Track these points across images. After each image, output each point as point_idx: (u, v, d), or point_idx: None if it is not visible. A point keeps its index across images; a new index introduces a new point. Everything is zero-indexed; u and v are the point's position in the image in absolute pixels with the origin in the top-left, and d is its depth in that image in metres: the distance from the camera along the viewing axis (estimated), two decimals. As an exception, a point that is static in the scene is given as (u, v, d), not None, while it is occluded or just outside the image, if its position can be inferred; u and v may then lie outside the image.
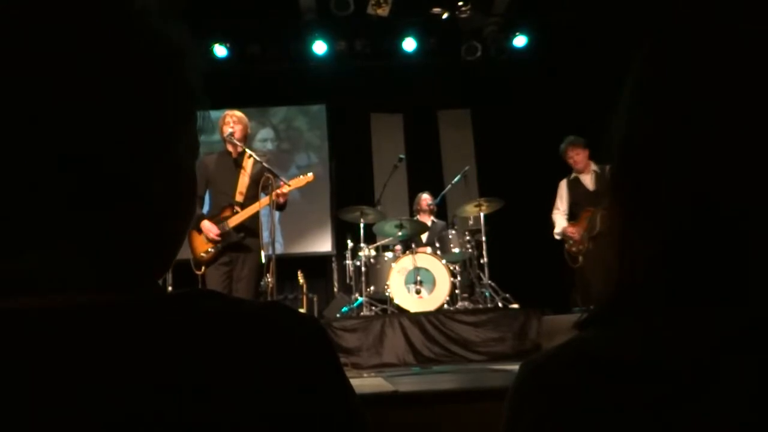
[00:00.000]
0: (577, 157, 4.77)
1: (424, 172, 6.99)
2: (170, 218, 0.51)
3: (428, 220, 5.68)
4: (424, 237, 5.56)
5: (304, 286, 5.83)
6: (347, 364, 4.16)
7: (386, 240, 5.37)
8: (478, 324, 4.51)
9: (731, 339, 0.40)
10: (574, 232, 4.66)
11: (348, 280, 5.43)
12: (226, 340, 0.41)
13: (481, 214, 5.28)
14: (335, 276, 6.91)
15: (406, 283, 4.92)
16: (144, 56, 0.46)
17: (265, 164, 3.80)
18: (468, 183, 5.71)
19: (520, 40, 6.82)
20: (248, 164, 3.88)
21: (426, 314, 4.62)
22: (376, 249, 5.35)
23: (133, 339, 0.40)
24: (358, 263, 5.15)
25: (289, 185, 3.83)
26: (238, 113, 3.93)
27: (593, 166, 4.78)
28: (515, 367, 0.71)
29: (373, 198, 6.16)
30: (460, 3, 6.27)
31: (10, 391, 0.37)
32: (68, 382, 0.38)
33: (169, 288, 4.99)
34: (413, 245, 5.29)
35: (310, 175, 4.02)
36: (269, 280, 3.73)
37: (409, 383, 2.80)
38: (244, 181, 3.85)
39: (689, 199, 0.44)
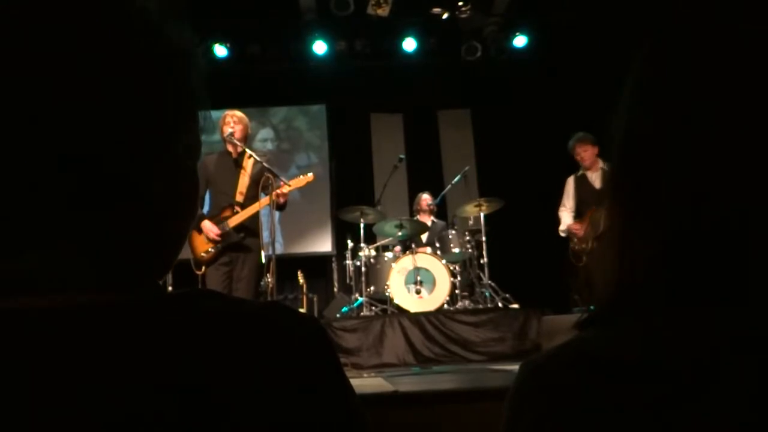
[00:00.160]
0: (585, 153, 4.71)
1: (424, 172, 6.99)
2: (171, 218, 0.50)
3: (428, 220, 5.68)
4: (424, 237, 5.56)
5: (304, 286, 5.83)
6: (347, 364, 4.16)
7: (386, 240, 5.37)
8: (478, 324, 4.51)
9: (731, 339, 0.40)
10: (579, 230, 4.64)
11: (348, 280, 5.43)
12: (226, 340, 0.41)
13: (481, 214, 5.28)
14: (335, 276, 6.91)
15: (406, 283, 4.92)
16: (144, 56, 0.46)
17: (265, 164, 3.80)
18: (468, 183, 5.71)
19: (520, 40, 6.82)
20: (248, 164, 3.88)
21: (426, 314, 4.62)
22: (376, 249, 5.35)
23: (133, 339, 0.40)
24: (358, 263, 5.15)
25: (289, 185, 3.83)
26: (238, 113, 3.93)
27: (601, 164, 4.72)
28: (515, 367, 0.71)
29: (373, 198, 6.16)
30: (460, 3, 6.27)
31: (10, 391, 0.37)
32: (68, 382, 0.38)
33: (169, 288, 4.99)
34: (413, 245, 5.29)
35: (310, 175, 4.02)
36: (269, 280, 3.73)
37: (409, 383, 2.80)
38: (244, 181, 3.85)
39: (689, 199, 0.44)
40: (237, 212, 3.79)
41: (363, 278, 5.06)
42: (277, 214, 3.89)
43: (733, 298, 0.42)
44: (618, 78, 0.54)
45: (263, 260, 3.80)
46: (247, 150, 3.88)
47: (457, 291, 5.06)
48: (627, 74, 0.50)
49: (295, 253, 6.88)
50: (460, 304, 4.99)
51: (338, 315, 5.21)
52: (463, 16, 6.37)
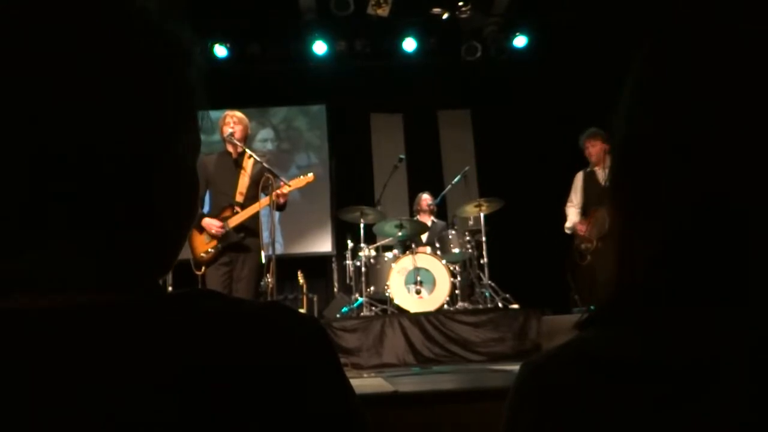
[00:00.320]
0: (593, 149, 4.64)
1: (424, 172, 6.99)
2: (171, 218, 0.50)
3: (428, 220, 5.68)
4: (424, 237, 5.56)
5: (304, 286, 5.83)
6: (347, 364, 4.16)
7: (386, 240, 5.37)
8: (478, 324, 4.51)
9: (731, 339, 0.40)
10: (582, 229, 4.62)
11: (348, 281, 5.43)
12: (226, 340, 0.41)
13: (481, 214, 5.28)
14: (335, 276, 6.91)
15: (406, 283, 4.92)
16: (144, 56, 0.46)
17: (265, 164, 3.80)
18: (468, 183, 5.71)
19: (520, 40, 6.82)
20: (248, 164, 3.88)
21: (426, 314, 4.62)
22: (376, 249, 5.35)
23: (133, 339, 0.40)
24: (358, 263, 5.15)
25: (289, 185, 3.83)
26: (238, 113, 3.93)
27: (609, 161, 4.68)
28: (515, 367, 0.71)
29: (373, 198, 6.16)
30: (460, 3, 6.27)
31: (10, 391, 0.37)
32: (68, 382, 0.38)
33: (169, 288, 4.99)
34: (413, 245, 5.29)
35: (310, 175, 4.02)
36: (269, 280, 3.73)
37: (409, 383, 2.80)
38: (244, 181, 3.85)
39: (689, 199, 0.44)
40: (237, 212, 3.79)
41: (363, 278, 5.05)
42: (277, 214, 3.89)
43: (733, 298, 0.42)
44: (618, 78, 0.54)
45: (263, 260, 3.80)
46: (247, 150, 3.88)
47: (457, 291, 5.06)
48: (627, 74, 0.50)
49: (295, 253, 6.88)
50: (460, 305, 4.99)
51: (338, 315, 5.21)
52: (463, 16, 6.37)
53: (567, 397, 0.43)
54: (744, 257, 0.42)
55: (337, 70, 7.00)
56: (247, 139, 3.98)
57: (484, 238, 5.20)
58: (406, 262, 4.94)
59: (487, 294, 5.03)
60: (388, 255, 5.25)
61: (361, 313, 4.89)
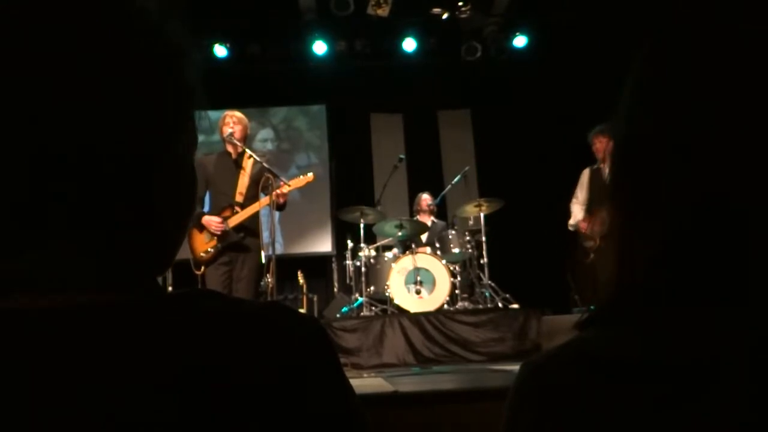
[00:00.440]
0: (600, 145, 4.59)
1: (424, 172, 6.99)
2: (170, 217, 0.51)
3: (428, 220, 5.68)
4: (424, 237, 5.56)
5: (304, 286, 5.83)
6: (347, 364, 4.16)
7: (386, 240, 5.37)
8: (478, 324, 4.51)
9: (731, 339, 0.40)
10: (585, 227, 4.61)
11: (348, 281, 5.43)
12: (226, 340, 0.41)
13: (481, 214, 5.28)
14: (335, 276, 6.91)
15: (406, 283, 4.92)
16: (144, 56, 0.46)
17: (265, 164, 3.80)
18: (468, 183, 5.71)
19: (520, 40, 6.82)
20: (248, 164, 3.88)
21: (426, 314, 4.62)
22: (376, 249, 5.35)
23: (133, 339, 0.40)
24: (358, 263, 5.15)
25: (289, 185, 3.83)
26: (237, 114, 3.93)
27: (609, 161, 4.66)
28: (515, 367, 0.71)
29: (373, 198, 6.16)
30: (460, 3, 6.27)
31: (10, 391, 0.37)
32: (68, 382, 0.38)
33: (169, 288, 4.99)
34: (413, 245, 5.29)
35: (310, 175, 4.02)
36: (269, 280, 3.72)
37: (409, 383, 2.80)
38: (243, 181, 3.85)
39: (689, 199, 0.44)
40: (237, 212, 3.79)
41: (363, 278, 5.06)
42: (277, 214, 3.89)
43: (733, 298, 0.42)
44: (618, 78, 0.54)
45: (263, 260, 3.79)
46: (246, 150, 3.88)
47: (457, 291, 5.06)
48: (627, 74, 0.50)
49: (295, 253, 6.88)
50: (460, 305, 4.99)
51: (338, 315, 5.21)
52: (463, 16, 6.37)
53: (567, 397, 0.43)
54: (744, 257, 0.42)
55: (337, 70, 7.00)
56: (246, 139, 3.98)
57: (484, 238, 5.20)
58: (406, 262, 4.94)
59: (487, 294, 5.03)
60: (388, 255, 5.25)
61: (361, 313, 4.89)
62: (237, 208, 3.80)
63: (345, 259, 5.52)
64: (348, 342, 4.42)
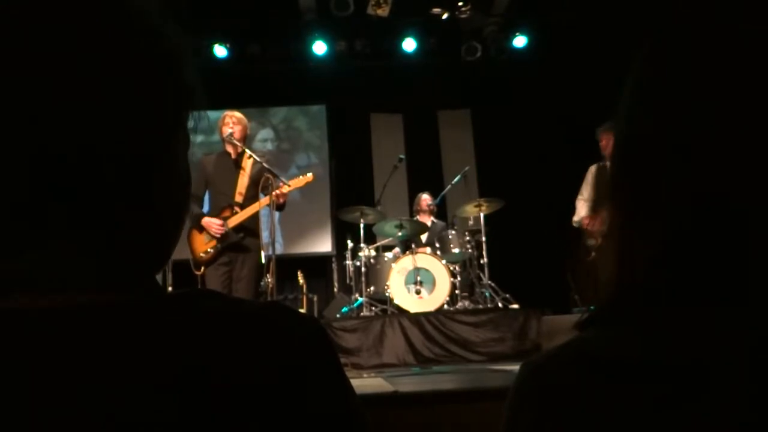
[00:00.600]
0: (607, 142, 4.49)
1: (424, 172, 6.99)
2: (168, 217, 0.51)
3: (428, 220, 5.68)
4: (424, 237, 5.56)
5: (304, 286, 5.83)
6: (347, 364, 4.16)
7: (386, 240, 5.37)
8: (478, 324, 4.51)
9: (731, 339, 0.40)
10: (588, 225, 4.58)
11: (348, 281, 5.43)
12: (226, 340, 0.41)
13: (481, 214, 5.28)
14: (335, 276, 6.91)
15: (406, 283, 4.92)
16: (144, 56, 0.46)
17: (264, 164, 3.80)
18: (468, 183, 5.71)
19: (520, 40, 6.82)
20: (248, 164, 3.88)
21: (426, 314, 4.62)
22: (376, 249, 5.35)
23: (133, 339, 0.40)
24: (358, 263, 5.15)
25: (289, 185, 3.83)
26: (237, 114, 3.93)
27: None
28: (515, 367, 0.71)
29: (373, 198, 6.16)
30: (460, 3, 6.27)
31: (10, 391, 0.37)
32: (68, 382, 0.38)
33: (169, 288, 4.98)
34: (413, 245, 5.29)
35: (309, 175, 4.02)
36: (269, 280, 3.72)
37: (409, 383, 2.80)
38: (243, 181, 3.85)
39: (689, 199, 0.44)
40: (236, 212, 3.79)
41: (363, 278, 5.06)
42: (276, 214, 3.89)
43: (733, 298, 0.42)
44: (618, 78, 0.54)
45: (263, 260, 3.79)
46: (246, 150, 3.88)
47: (457, 291, 5.06)
48: (627, 74, 0.50)
49: (295, 253, 6.88)
50: (460, 305, 4.99)
51: (338, 315, 5.21)
52: (463, 16, 6.37)
53: (567, 397, 0.43)
54: (744, 257, 0.42)
55: (337, 70, 7.00)
56: (246, 139, 3.98)
57: (484, 238, 5.20)
58: (406, 262, 4.94)
59: (487, 294, 5.03)
60: (388, 255, 5.25)
61: (361, 313, 4.89)
62: (236, 209, 3.80)
63: (345, 259, 5.52)
64: (348, 342, 4.42)
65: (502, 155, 6.92)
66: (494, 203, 5.28)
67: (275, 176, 3.76)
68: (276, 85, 7.14)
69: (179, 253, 0.55)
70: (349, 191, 6.81)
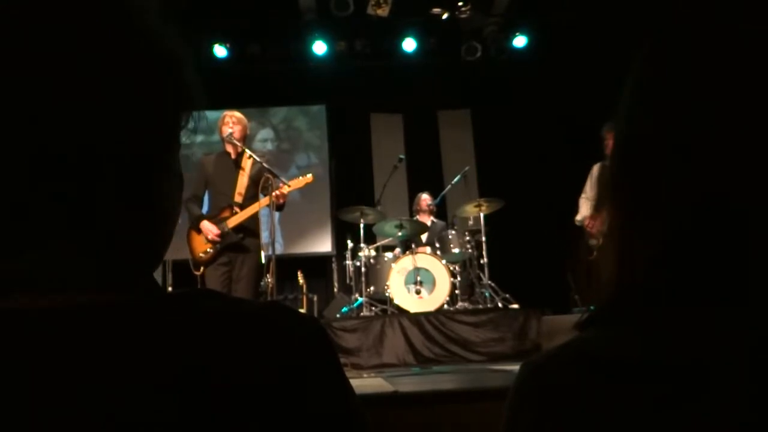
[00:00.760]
0: (609, 141, 4.60)
1: (424, 172, 7.00)
2: (165, 216, 0.51)
3: (428, 220, 5.68)
4: (424, 237, 5.56)
5: (304, 287, 5.83)
6: (347, 364, 4.16)
7: (386, 240, 5.37)
8: (478, 324, 4.51)
9: (731, 339, 0.40)
10: (590, 224, 4.58)
11: (348, 281, 5.43)
12: (226, 340, 0.41)
13: (481, 214, 5.28)
14: (335, 276, 6.91)
15: (406, 283, 4.92)
16: (144, 56, 0.46)
17: (264, 164, 3.80)
18: (468, 183, 5.71)
19: (520, 40, 6.83)
20: (247, 165, 3.88)
21: (426, 314, 4.62)
22: (376, 249, 5.35)
23: (133, 339, 0.40)
24: (358, 263, 5.15)
25: (289, 186, 3.83)
26: (237, 114, 3.93)
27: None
28: (515, 367, 0.71)
29: (373, 198, 6.16)
30: (460, 3, 6.27)
31: (10, 391, 0.37)
32: (68, 382, 0.38)
33: (169, 288, 4.98)
34: (413, 245, 5.29)
35: (309, 176, 4.02)
36: (269, 280, 3.73)
37: (409, 383, 2.80)
38: (243, 181, 3.85)
39: (689, 199, 0.44)
40: (236, 212, 3.79)
41: (363, 278, 5.06)
42: (276, 214, 3.89)
43: (733, 298, 0.42)
44: (618, 78, 0.54)
45: (263, 260, 3.79)
46: (246, 150, 3.88)
47: (457, 291, 5.06)
48: (627, 74, 0.50)
49: (295, 253, 6.88)
50: (460, 305, 4.99)
51: (338, 315, 5.21)
52: (463, 16, 6.37)
53: (567, 397, 0.43)
54: (744, 257, 0.42)
55: (337, 70, 7.00)
56: (246, 139, 3.98)
57: (484, 238, 5.20)
58: (406, 262, 4.94)
59: (487, 294, 5.03)
60: (388, 255, 5.25)
61: (361, 313, 4.89)
62: (236, 209, 3.80)
63: (345, 259, 5.52)
64: (348, 342, 4.42)
65: (502, 155, 6.92)
66: (494, 203, 5.28)
67: (275, 176, 3.76)
68: (276, 85, 7.14)
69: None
70: (349, 191, 6.81)
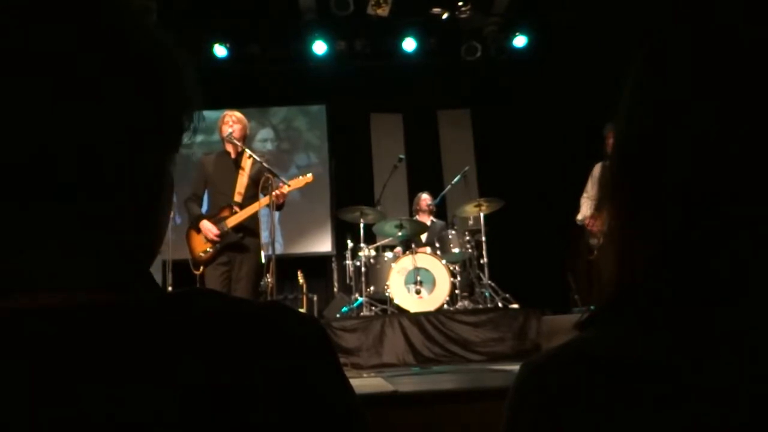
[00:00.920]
0: (609, 140, 4.60)
1: (424, 172, 7.00)
2: (162, 216, 0.51)
3: (427, 220, 5.68)
4: (424, 237, 5.56)
5: (304, 286, 5.83)
6: (347, 364, 4.16)
7: (386, 240, 5.37)
8: (478, 324, 4.51)
9: (731, 339, 0.40)
10: (590, 224, 4.57)
11: (348, 280, 5.43)
12: (226, 340, 0.41)
13: (481, 214, 5.28)
14: (335, 276, 6.90)
15: (406, 283, 4.92)
16: (144, 56, 0.46)
17: (264, 164, 3.80)
18: (468, 183, 5.71)
19: (520, 40, 6.82)
20: (247, 164, 3.88)
21: (426, 314, 4.62)
22: (376, 249, 5.35)
23: (133, 339, 0.40)
24: (358, 263, 5.15)
25: (289, 185, 3.83)
26: (237, 113, 3.93)
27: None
28: (515, 367, 0.71)
29: (373, 198, 6.16)
30: (460, 3, 6.27)
31: (10, 391, 0.37)
32: (68, 382, 0.38)
33: (169, 288, 4.98)
34: (413, 245, 5.29)
35: (309, 176, 4.02)
36: (269, 280, 3.73)
37: (409, 383, 2.80)
38: (242, 181, 3.85)
39: (689, 199, 0.44)
40: (236, 212, 3.79)
41: (363, 278, 5.06)
42: (276, 214, 3.89)
43: (733, 298, 0.42)
44: (618, 78, 0.54)
45: (263, 260, 3.79)
46: (246, 150, 3.88)
47: (457, 291, 5.06)
48: (627, 74, 0.50)
49: (295, 253, 6.88)
50: (460, 304, 4.99)
51: (338, 315, 5.21)
52: (463, 16, 6.37)
53: (567, 397, 0.43)
54: (744, 257, 0.42)
55: (337, 70, 7.00)
56: (246, 139, 3.98)
57: (484, 238, 5.20)
58: (406, 262, 4.94)
59: (487, 294, 5.03)
60: (388, 255, 5.25)
61: (361, 313, 4.89)
62: (236, 208, 3.80)
63: (345, 259, 5.52)
64: (348, 342, 4.42)
65: (502, 155, 6.92)
66: (494, 203, 5.28)
67: (275, 176, 3.76)
68: (276, 85, 7.14)
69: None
70: (349, 191, 6.81)
